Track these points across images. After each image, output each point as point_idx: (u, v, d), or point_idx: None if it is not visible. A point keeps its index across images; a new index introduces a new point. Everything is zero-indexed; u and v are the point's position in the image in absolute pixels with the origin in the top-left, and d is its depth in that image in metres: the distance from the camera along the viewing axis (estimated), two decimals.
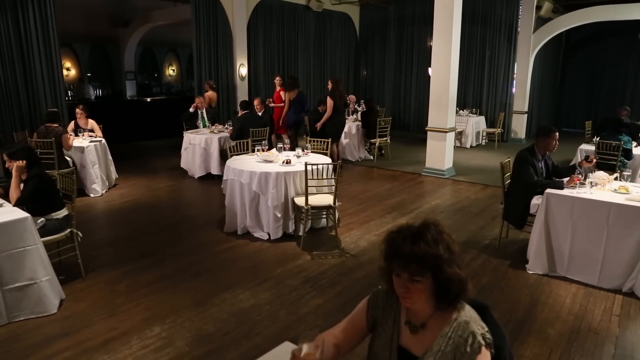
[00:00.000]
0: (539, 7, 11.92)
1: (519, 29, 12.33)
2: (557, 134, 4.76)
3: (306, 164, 4.79)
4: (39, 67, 7.99)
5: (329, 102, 8.49)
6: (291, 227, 5.29)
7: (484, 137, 12.45)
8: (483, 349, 1.51)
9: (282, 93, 9.40)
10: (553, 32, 12.10)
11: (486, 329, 1.56)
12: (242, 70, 11.26)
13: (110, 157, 7.53)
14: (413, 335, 1.64)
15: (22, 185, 4.00)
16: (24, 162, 3.97)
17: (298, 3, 12.69)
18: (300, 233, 5.19)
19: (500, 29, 12.56)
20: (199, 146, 8.06)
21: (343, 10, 14.26)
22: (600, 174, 4.70)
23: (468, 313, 1.59)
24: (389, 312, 1.72)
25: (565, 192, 4.38)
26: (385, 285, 1.69)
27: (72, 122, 7.52)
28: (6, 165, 4.00)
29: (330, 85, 8.82)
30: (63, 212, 4.19)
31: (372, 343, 1.76)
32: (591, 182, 4.43)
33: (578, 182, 4.37)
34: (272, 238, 5.22)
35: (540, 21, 12.21)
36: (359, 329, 1.79)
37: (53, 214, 4.10)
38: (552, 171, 4.90)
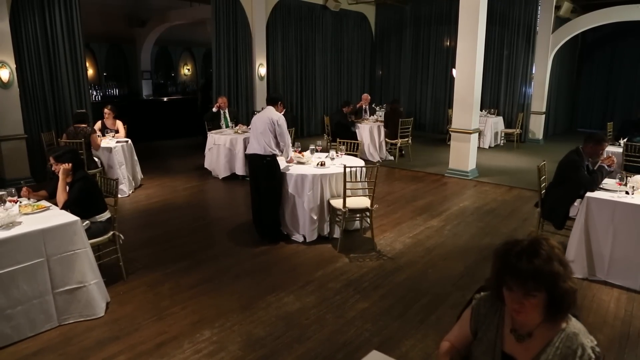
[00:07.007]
0: (558, 7, 11.82)
1: (537, 29, 12.26)
2: (607, 145, 4.72)
3: (345, 167, 4.78)
4: (64, 68, 8.04)
5: None
6: (326, 230, 5.30)
7: (502, 138, 12.40)
8: None
9: None
10: (572, 33, 11.99)
11: (595, 342, 1.58)
12: (261, 69, 11.26)
13: (135, 158, 7.56)
14: (518, 343, 1.66)
15: (67, 188, 4.02)
16: (70, 165, 3.98)
17: (316, 3, 12.69)
18: (336, 235, 5.21)
19: (518, 29, 12.48)
20: (223, 147, 8.06)
21: (359, 10, 14.25)
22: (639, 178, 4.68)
23: (576, 325, 1.61)
24: (491, 319, 1.74)
25: (606, 196, 4.37)
26: (491, 294, 1.73)
27: (99, 122, 7.54)
28: (52, 168, 4.01)
29: None
30: (106, 215, 4.21)
31: (474, 348, 1.78)
32: (632, 187, 4.41)
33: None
34: (307, 240, 5.22)
35: (559, 21, 12.13)
36: (467, 337, 1.81)
37: (97, 216, 4.12)
38: None
